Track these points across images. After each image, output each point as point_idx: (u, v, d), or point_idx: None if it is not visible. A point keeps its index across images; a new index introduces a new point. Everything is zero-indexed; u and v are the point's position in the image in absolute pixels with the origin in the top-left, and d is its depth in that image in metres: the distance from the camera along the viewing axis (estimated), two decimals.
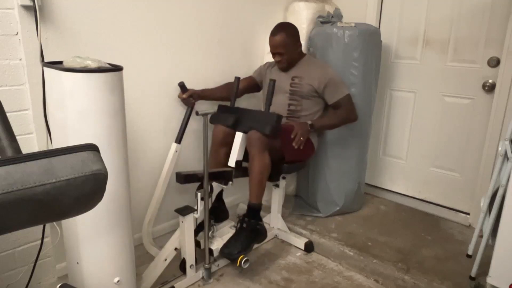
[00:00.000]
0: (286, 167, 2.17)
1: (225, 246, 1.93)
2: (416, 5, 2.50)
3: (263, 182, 2.00)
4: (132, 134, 1.93)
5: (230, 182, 2.07)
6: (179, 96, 2.10)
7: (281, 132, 2.01)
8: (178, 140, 2.11)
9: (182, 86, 2.11)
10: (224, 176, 2.01)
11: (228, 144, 2.07)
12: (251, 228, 1.98)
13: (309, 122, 2.10)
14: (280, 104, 2.23)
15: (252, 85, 2.39)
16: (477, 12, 2.26)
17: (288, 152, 2.07)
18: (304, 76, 2.20)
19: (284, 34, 2.14)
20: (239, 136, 1.99)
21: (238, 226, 2.01)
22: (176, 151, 2.10)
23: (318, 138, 2.32)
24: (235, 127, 2.04)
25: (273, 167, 2.03)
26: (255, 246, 2.02)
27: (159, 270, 1.88)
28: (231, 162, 2.01)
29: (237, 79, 2.17)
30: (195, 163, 2.26)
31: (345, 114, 2.22)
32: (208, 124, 1.90)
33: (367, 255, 2.11)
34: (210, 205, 2.02)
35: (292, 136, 2.01)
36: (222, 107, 2.20)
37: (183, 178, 1.90)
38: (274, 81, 1.99)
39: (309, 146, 2.22)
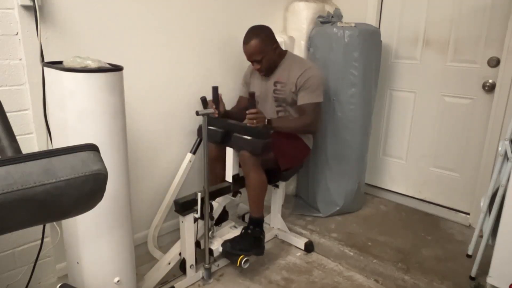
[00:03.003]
0: (284, 174, 2.16)
1: (228, 241, 1.93)
2: (416, 5, 2.50)
3: (261, 197, 2.00)
4: (132, 134, 1.93)
5: (239, 194, 2.09)
6: (210, 100, 2.07)
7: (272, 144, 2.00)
8: (193, 150, 2.13)
9: (204, 100, 2.07)
10: (222, 193, 2.01)
11: (222, 158, 2.05)
12: (255, 236, 2.00)
13: (268, 118, 2.00)
14: (268, 112, 2.17)
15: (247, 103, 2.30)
16: (477, 12, 2.26)
17: (282, 161, 2.06)
18: (285, 81, 2.10)
19: (257, 39, 2.00)
20: (230, 152, 1.98)
21: (243, 231, 2.01)
22: (190, 161, 2.13)
23: (313, 138, 2.30)
24: (224, 143, 1.98)
25: (271, 174, 2.03)
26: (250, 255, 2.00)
27: (162, 273, 1.88)
28: (228, 178, 2.02)
29: (215, 88, 2.05)
30: (195, 166, 2.25)
31: (306, 122, 2.07)
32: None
33: (367, 255, 2.11)
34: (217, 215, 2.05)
35: (249, 112, 1.89)
36: (208, 119, 2.13)
37: (181, 206, 1.83)
38: (253, 93, 1.93)
39: (302, 147, 2.19)
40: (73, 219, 1.39)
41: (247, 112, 1.90)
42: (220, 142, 2.00)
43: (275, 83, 2.13)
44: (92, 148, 0.67)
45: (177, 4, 2.01)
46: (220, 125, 2.02)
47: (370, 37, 2.36)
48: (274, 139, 2.04)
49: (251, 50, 2.02)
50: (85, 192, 0.64)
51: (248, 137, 1.87)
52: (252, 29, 2.06)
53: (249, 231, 1.99)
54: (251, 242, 1.97)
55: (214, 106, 2.05)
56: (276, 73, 2.14)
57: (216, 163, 2.10)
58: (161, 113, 2.08)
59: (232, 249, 1.91)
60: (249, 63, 2.16)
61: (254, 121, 1.89)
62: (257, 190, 1.97)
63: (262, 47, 2.01)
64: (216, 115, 2.06)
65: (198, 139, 2.14)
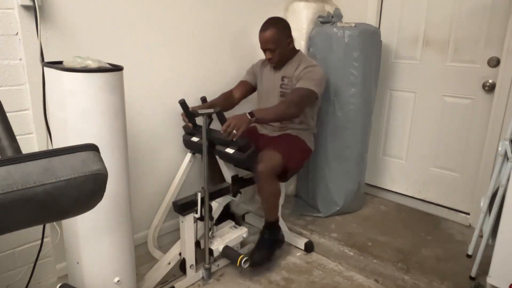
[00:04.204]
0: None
1: (250, 256, 1.96)
2: (416, 5, 2.49)
3: (276, 204, 2.05)
4: (132, 134, 1.93)
5: (239, 194, 2.08)
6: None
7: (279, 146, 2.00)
8: (193, 151, 2.12)
9: (204, 100, 2.00)
10: (222, 193, 2.01)
11: (215, 162, 2.03)
12: (272, 238, 2.08)
13: (249, 111, 1.87)
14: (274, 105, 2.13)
15: (248, 89, 2.29)
16: (477, 12, 2.26)
17: (290, 159, 2.01)
18: (292, 76, 2.10)
19: (275, 29, 2.03)
20: (221, 160, 1.98)
21: (259, 237, 2.09)
22: (190, 161, 2.13)
23: (314, 138, 2.28)
24: (210, 153, 1.91)
25: None
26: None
27: (162, 273, 1.88)
28: (227, 179, 2.02)
29: (183, 103, 1.96)
30: (195, 166, 2.25)
31: (286, 105, 1.97)
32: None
33: (367, 255, 2.11)
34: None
35: (223, 130, 1.78)
36: (188, 128, 2.09)
37: (180, 207, 1.81)
38: (219, 110, 1.79)
39: (305, 149, 2.17)
40: (73, 219, 1.39)
41: (221, 131, 1.81)
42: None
43: (283, 78, 2.14)
44: (92, 148, 0.67)
45: (177, 5, 2.01)
46: (200, 133, 1.96)
47: (370, 37, 2.36)
48: (277, 143, 2.02)
49: (267, 38, 2.04)
50: (85, 192, 0.64)
51: (231, 150, 1.85)
52: (271, 19, 2.10)
53: (266, 236, 2.07)
54: (270, 246, 2.05)
55: (187, 120, 2.01)
56: (285, 68, 2.15)
57: (212, 166, 2.03)
58: (161, 113, 2.08)
59: (261, 262, 2.01)
60: (258, 58, 2.16)
61: (234, 131, 1.76)
62: (271, 199, 2.00)
63: (278, 37, 2.04)
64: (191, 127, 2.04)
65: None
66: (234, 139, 1.78)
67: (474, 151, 2.39)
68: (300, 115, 2.05)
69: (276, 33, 2.04)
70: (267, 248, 2.07)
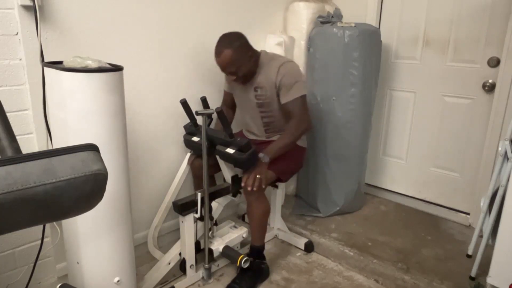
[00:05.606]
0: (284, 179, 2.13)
1: (231, 286, 1.90)
2: (416, 5, 2.50)
3: (263, 225, 1.98)
4: (132, 134, 1.93)
5: (239, 194, 2.06)
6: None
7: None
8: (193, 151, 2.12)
9: (204, 100, 2.01)
10: (222, 193, 1.99)
11: (212, 165, 1.99)
12: (256, 268, 1.96)
13: (261, 154, 1.85)
14: (254, 119, 2.08)
15: (233, 98, 2.19)
16: (477, 12, 2.26)
17: (283, 175, 2.00)
18: (265, 85, 1.94)
19: (230, 49, 1.81)
20: (221, 161, 1.96)
21: (241, 269, 1.92)
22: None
23: (307, 136, 2.18)
24: (210, 154, 1.88)
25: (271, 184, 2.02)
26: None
27: (162, 273, 1.88)
28: (227, 179, 2.01)
29: (184, 102, 1.98)
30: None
31: (295, 126, 1.91)
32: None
33: (367, 255, 2.11)
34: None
35: (243, 184, 1.81)
36: (188, 128, 2.08)
37: (180, 207, 1.79)
38: (220, 109, 1.75)
39: (297, 152, 2.09)
40: (73, 219, 1.39)
41: (244, 185, 1.82)
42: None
43: (256, 88, 1.98)
44: (92, 148, 0.67)
45: (177, 5, 2.01)
46: (200, 134, 1.98)
47: (370, 37, 2.36)
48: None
49: (225, 62, 1.84)
50: (85, 192, 0.64)
51: (231, 150, 1.83)
52: (223, 38, 1.87)
53: (249, 264, 1.90)
54: (253, 276, 1.94)
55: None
56: (255, 78, 1.98)
57: (201, 173, 1.94)
58: (161, 113, 2.08)
59: None
60: None
61: (258, 176, 1.79)
62: (260, 219, 1.94)
63: (236, 58, 1.83)
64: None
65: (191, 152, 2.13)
66: (264, 186, 1.83)
67: (474, 151, 2.39)
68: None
69: (232, 54, 1.82)
70: (250, 279, 1.92)
